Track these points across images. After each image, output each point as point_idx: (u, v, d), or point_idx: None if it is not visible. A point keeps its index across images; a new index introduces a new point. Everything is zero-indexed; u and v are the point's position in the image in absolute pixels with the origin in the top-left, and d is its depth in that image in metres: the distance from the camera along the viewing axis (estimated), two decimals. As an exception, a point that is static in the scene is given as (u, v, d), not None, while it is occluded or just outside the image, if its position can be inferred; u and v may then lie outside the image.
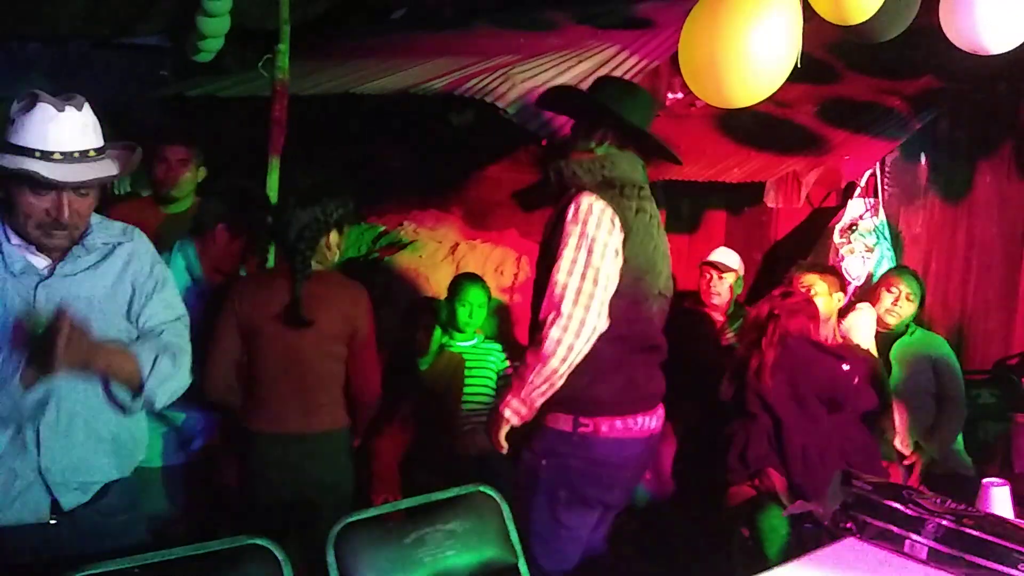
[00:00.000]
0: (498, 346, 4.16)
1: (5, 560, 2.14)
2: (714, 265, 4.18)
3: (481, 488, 2.54)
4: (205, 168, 3.73)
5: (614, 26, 5.11)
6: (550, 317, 2.48)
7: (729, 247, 4.36)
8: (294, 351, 2.85)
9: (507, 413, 2.57)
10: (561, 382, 2.53)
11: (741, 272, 4.25)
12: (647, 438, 2.71)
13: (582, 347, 2.50)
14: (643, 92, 2.78)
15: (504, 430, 2.60)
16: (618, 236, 2.54)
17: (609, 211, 2.53)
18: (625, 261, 2.57)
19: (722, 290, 4.20)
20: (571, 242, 2.50)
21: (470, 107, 4.62)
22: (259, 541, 2.14)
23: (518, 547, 2.51)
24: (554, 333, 2.47)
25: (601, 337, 2.53)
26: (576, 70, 4.64)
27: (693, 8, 2.54)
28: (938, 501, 2.33)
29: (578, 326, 2.47)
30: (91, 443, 2.19)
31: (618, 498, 2.78)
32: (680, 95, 4.99)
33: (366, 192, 4.81)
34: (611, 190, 2.58)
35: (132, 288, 2.26)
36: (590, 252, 2.50)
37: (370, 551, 2.31)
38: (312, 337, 2.85)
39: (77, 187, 2.06)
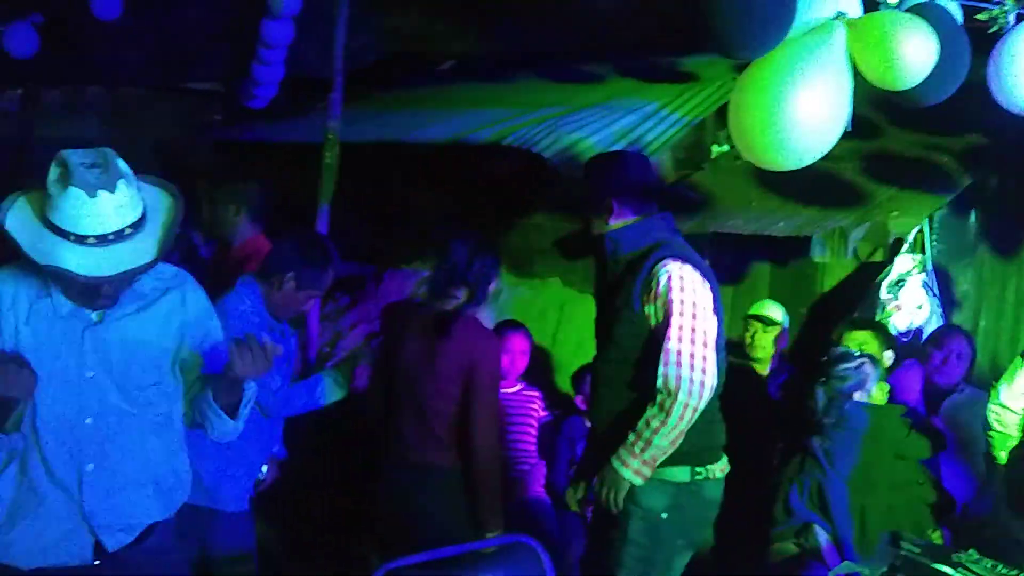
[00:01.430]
0: (539, 394, 4.16)
1: None
2: (759, 318, 4.16)
3: (522, 539, 2.54)
4: (247, 209, 3.82)
5: (659, 79, 5.15)
6: (674, 384, 2.60)
7: (774, 300, 4.34)
8: (419, 385, 3.06)
9: (628, 475, 2.66)
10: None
11: (786, 325, 4.23)
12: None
13: (703, 406, 2.65)
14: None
15: (624, 492, 2.69)
16: (709, 295, 2.74)
17: (698, 274, 2.71)
18: None
19: (766, 343, 4.17)
20: (675, 310, 2.65)
21: (515, 157, 4.68)
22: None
23: (558, 600, 2.50)
24: (681, 398, 2.60)
25: None
26: (621, 123, 4.69)
27: (744, 70, 2.56)
28: (989, 566, 2.28)
29: (699, 388, 2.62)
30: (133, 485, 2.20)
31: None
32: (726, 148, 5.01)
33: (412, 239, 4.87)
34: (685, 250, 2.79)
35: (181, 335, 2.28)
36: (694, 317, 2.65)
37: (410, 599, 2.31)
38: (434, 375, 3.04)
39: (105, 280, 2.03)
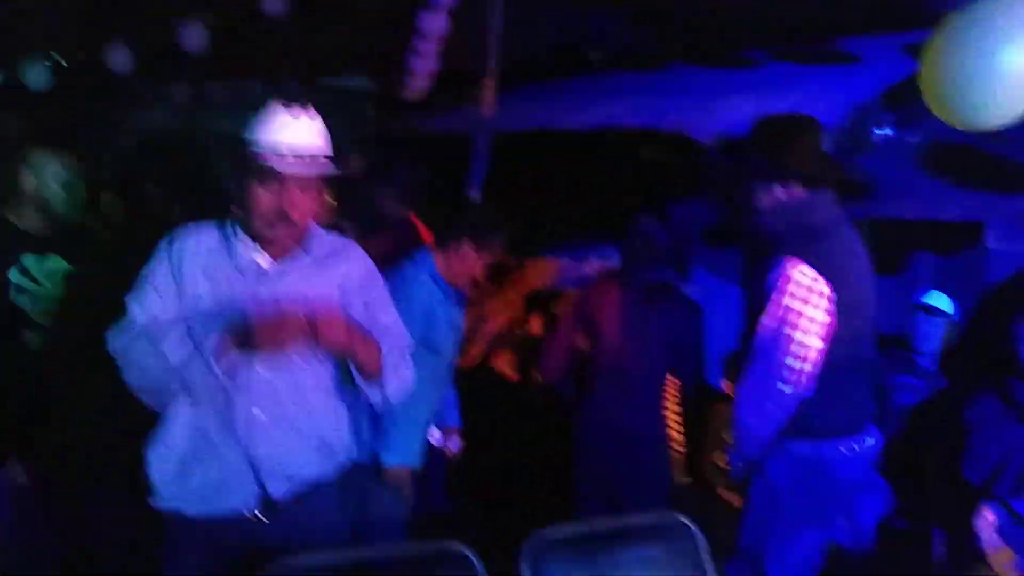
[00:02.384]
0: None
1: (214, 551, 2.24)
2: (929, 308, 3.96)
3: (679, 516, 2.48)
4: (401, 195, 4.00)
5: (818, 62, 4.97)
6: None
7: (939, 291, 4.11)
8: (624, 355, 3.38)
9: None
10: None
11: (955, 318, 4.00)
12: None
13: None
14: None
15: None
16: (825, 300, 2.61)
17: (820, 283, 2.59)
18: (838, 306, 2.63)
19: (933, 336, 3.96)
20: (787, 317, 2.59)
21: (664, 142, 4.61)
22: (458, 547, 2.17)
23: (714, 579, 2.43)
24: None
25: None
26: (778, 106, 4.53)
27: (940, 24, 2.43)
28: None
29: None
30: (299, 436, 2.28)
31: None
32: (889, 132, 4.78)
33: (562, 226, 4.87)
34: (813, 240, 2.62)
35: (346, 299, 2.35)
36: (797, 321, 2.59)
37: (563, 566, 2.29)
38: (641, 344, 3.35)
39: (299, 179, 2.21)
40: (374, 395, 2.35)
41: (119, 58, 5.39)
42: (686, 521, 2.47)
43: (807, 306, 2.59)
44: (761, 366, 2.63)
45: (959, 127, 2.58)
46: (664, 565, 2.38)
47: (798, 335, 2.58)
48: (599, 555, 2.35)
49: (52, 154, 3.07)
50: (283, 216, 2.22)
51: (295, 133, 2.20)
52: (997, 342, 3.40)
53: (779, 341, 2.59)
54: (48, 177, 3.02)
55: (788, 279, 2.60)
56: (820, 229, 2.67)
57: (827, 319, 2.62)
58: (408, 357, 2.44)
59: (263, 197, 2.21)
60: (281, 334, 2.10)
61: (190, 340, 2.18)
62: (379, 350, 2.30)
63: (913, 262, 4.52)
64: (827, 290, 2.61)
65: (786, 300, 2.60)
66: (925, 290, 4.12)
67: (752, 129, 2.85)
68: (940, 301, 3.99)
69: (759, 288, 2.67)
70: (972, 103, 2.43)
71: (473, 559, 2.16)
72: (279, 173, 2.18)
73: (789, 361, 2.58)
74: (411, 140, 5.62)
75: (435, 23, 4.88)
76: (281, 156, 2.18)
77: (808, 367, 2.60)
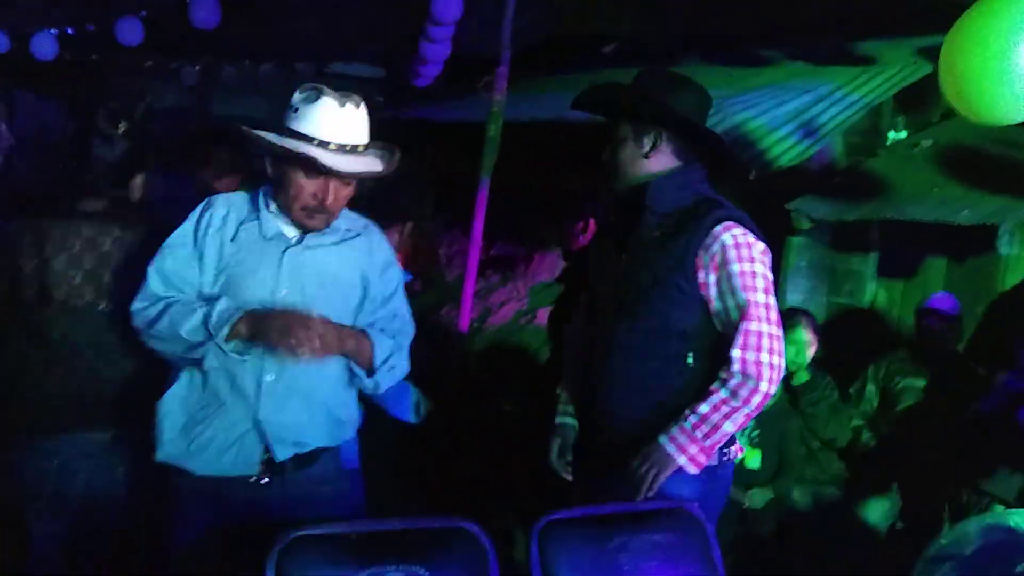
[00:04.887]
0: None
1: (219, 513, 2.23)
2: (934, 312, 3.94)
3: (685, 504, 2.45)
4: None
5: (833, 62, 4.96)
6: (754, 371, 2.31)
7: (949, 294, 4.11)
8: None
9: (683, 461, 2.37)
10: None
11: (962, 321, 3.99)
12: None
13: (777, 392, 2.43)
14: (695, 84, 2.49)
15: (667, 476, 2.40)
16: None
17: (762, 243, 2.38)
18: None
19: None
20: (753, 285, 2.32)
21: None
22: (467, 525, 2.15)
23: (720, 569, 2.40)
24: (762, 386, 2.32)
25: None
26: (792, 104, 4.52)
27: (960, 18, 2.39)
28: None
29: (778, 375, 2.35)
30: (307, 403, 2.27)
31: None
32: (903, 134, 4.77)
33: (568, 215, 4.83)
34: (741, 212, 2.41)
35: (363, 282, 2.35)
36: (767, 293, 2.35)
37: (572, 550, 2.26)
38: None
39: (345, 177, 2.19)
40: (367, 383, 2.36)
41: (127, 31, 5.34)
42: (692, 509, 2.45)
43: (766, 268, 2.41)
44: None
45: (978, 122, 2.54)
46: (672, 551, 2.35)
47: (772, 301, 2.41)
48: (607, 540, 2.32)
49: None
50: (322, 209, 2.21)
51: (347, 129, 2.17)
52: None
53: None
54: None
55: (739, 243, 2.38)
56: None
57: None
58: (406, 351, 2.43)
59: (307, 188, 2.19)
60: (291, 335, 2.10)
61: (205, 328, 2.15)
62: (372, 348, 2.30)
63: (923, 265, 4.50)
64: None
65: (753, 267, 2.38)
66: (932, 293, 4.11)
67: (634, 82, 2.51)
68: (947, 304, 3.98)
69: (666, 258, 2.44)
70: (991, 98, 2.39)
71: (481, 537, 2.13)
72: (328, 169, 2.15)
73: None
74: (421, 128, 5.59)
75: (449, 8, 4.85)
76: (332, 152, 2.14)
77: None
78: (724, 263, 2.32)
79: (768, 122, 4.35)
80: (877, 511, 3.92)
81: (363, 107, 2.22)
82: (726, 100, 4.54)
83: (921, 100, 4.76)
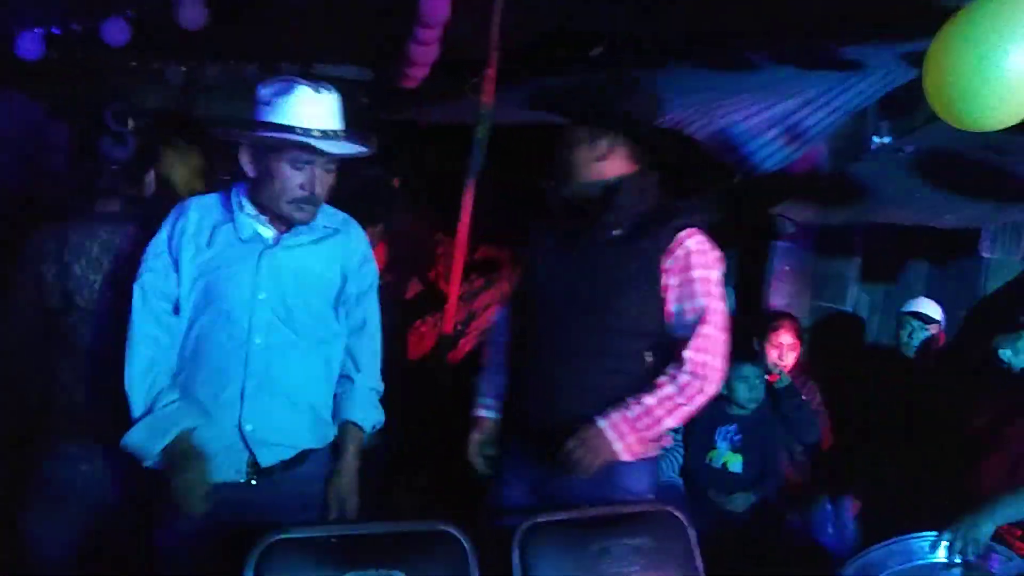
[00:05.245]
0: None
1: (209, 515, 2.21)
2: (916, 315, 3.96)
3: (668, 508, 2.46)
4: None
5: (818, 67, 4.97)
6: (703, 372, 2.42)
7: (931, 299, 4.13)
8: None
9: (619, 448, 2.42)
10: None
11: (943, 325, 4.01)
12: None
13: None
14: (648, 90, 2.60)
15: (601, 462, 2.43)
16: None
17: (717, 251, 2.49)
18: None
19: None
20: (712, 292, 2.45)
21: (664, 140, 4.59)
22: (448, 528, 2.15)
23: (701, 572, 2.41)
24: (708, 388, 2.44)
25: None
26: (777, 108, 4.53)
27: (945, 23, 2.41)
28: None
29: (721, 377, 2.48)
30: (292, 408, 2.27)
31: None
32: (887, 140, 4.80)
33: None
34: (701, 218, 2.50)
35: (343, 277, 2.36)
36: (722, 300, 2.48)
37: (553, 554, 2.27)
38: None
39: (336, 159, 2.22)
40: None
41: (114, 31, 5.32)
42: (676, 512, 2.45)
43: (721, 275, 2.54)
44: None
45: (962, 127, 2.56)
46: (653, 554, 2.36)
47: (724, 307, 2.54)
48: (589, 543, 2.33)
49: None
50: (311, 199, 2.21)
51: (324, 113, 2.18)
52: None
53: None
54: None
55: (701, 251, 2.51)
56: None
57: None
58: (377, 372, 2.44)
59: (294, 180, 2.19)
60: None
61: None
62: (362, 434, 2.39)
63: (907, 269, 4.52)
64: None
65: (713, 274, 2.51)
66: (915, 297, 4.13)
67: (591, 86, 2.65)
68: (929, 308, 4.00)
69: (631, 263, 2.53)
70: (976, 103, 2.41)
71: (463, 540, 2.14)
72: (315, 155, 2.15)
73: None
74: (409, 130, 5.58)
75: (437, 9, 4.84)
76: (316, 138, 2.15)
77: None
78: (687, 268, 2.43)
79: (754, 125, 4.37)
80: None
81: (335, 93, 2.23)
82: (712, 103, 4.55)
83: (905, 105, 4.78)
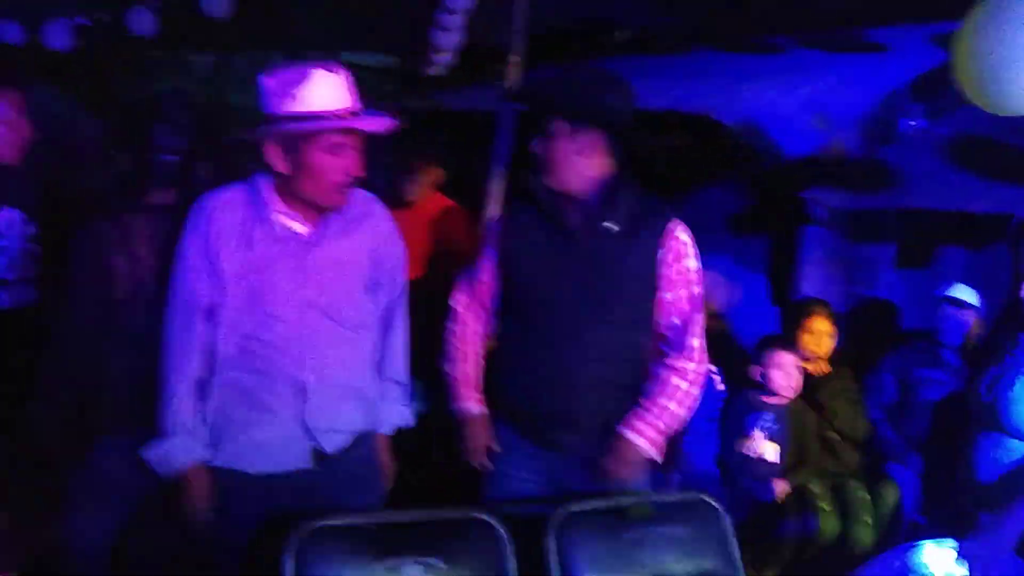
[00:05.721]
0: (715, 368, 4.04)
1: (271, 505, 2.24)
2: (954, 301, 3.92)
3: (703, 496, 2.46)
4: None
5: (844, 50, 4.92)
6: (700, 356, 2.53)
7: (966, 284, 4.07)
8: None
9: (654, 453, 2.49)
10: None
11: (982, 312, 3.96)
12: None
13: None
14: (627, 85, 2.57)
15: None
16: None
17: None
18: None
19: (958, 329, 3.92)
20: (696, 280, 2.54)
21: (687, 126, 4.57)
22: (484, 516, 2.15)
23: (738, 561, 2.40)
24: (704, 369, 2.56)
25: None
26: (804, 91, 4.50)
27: (974, 5, 2.37)
28: None
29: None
30: (346, 396, 2.30)
31: None
32: (915, 123, 4.74)
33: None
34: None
35: (372, 259, 2.35)
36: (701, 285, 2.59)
37: (589, 543, 2.27)
38: None
39: (357, 139, 2.19)
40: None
41: (140, 21, 5.33)
42: (711, 500, 2.45)
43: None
44: None
45: (992, 111, 2.52)
46: (689, 543, 2.36)
47: None
48: (624, 531, 2.33)
49: None
50: (350, 181, 2.21)
51: (343, 94, 2.17)
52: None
53: None
54: None
55: (688, 241, 2.58)
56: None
57: None
58: (406, 358, 2.46)
59: (333, 167, 2.17)
60: None
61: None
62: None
63: (941, 255, 4.47)
64: None
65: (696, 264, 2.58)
66: (950, 283, 4.08)
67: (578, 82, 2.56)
68: (965, 294, 3.95)
69: (633, 255, 2.56)
70: (1007, 86, 2.37)
71: (499, 528, 2.14)
72: (349, 137, 2.15)
73: None
74: (435, 117, 5.56)
75: (462, -4, 4.81)
76: (348, 119, 2.14)
77: None
78: (679, 258, 2.51)
79: (780, 110, 4.34)
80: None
81: (344, 70, 2.21)
82: (737, 88, 4.53)
83: (936, 88, 4.72)
